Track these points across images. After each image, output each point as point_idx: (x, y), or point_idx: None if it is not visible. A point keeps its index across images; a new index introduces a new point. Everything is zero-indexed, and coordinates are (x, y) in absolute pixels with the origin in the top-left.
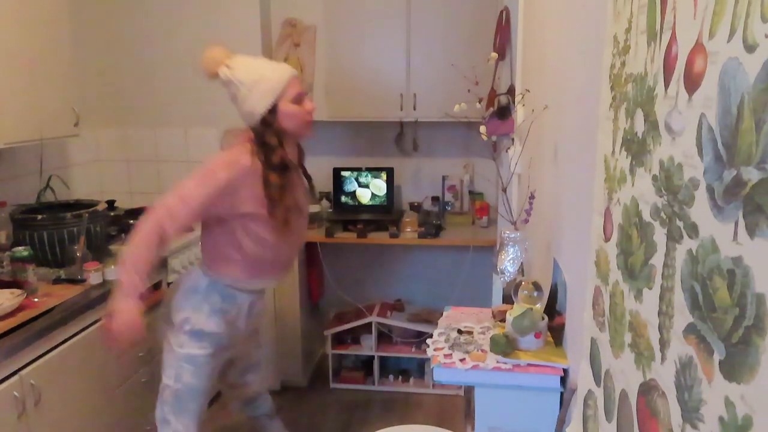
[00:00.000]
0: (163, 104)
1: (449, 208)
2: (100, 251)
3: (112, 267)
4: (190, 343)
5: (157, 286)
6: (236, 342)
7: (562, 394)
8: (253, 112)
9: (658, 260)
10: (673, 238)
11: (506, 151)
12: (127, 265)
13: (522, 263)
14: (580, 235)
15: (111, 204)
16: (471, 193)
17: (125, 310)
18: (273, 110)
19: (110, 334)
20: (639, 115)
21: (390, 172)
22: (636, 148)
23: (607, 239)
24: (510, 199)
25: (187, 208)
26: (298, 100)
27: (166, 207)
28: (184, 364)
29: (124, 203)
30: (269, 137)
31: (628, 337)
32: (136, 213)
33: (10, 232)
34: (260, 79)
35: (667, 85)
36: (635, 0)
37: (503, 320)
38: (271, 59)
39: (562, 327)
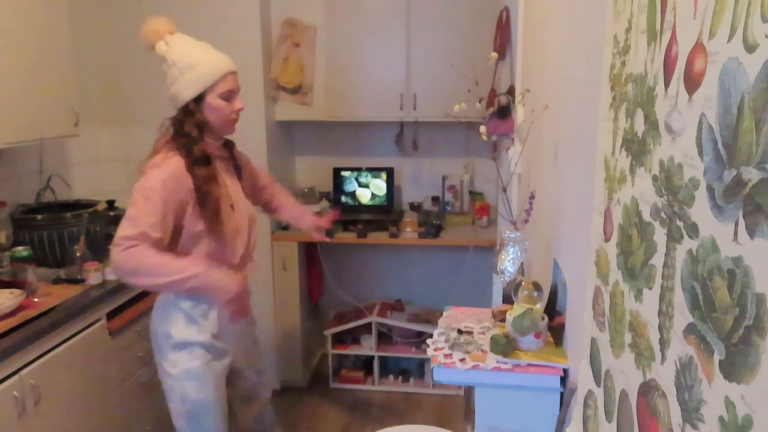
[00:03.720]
0: (163, 104)
1: (449, 208)
2: (100, 251)
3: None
4: (181, 359)
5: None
6: (231, 342)
7: (562, 394)
8: (177, 97)
9: (658, 260)
10: (673, 238)
11: (506, 151)
12: (153, 273)
13: (522, 263)
14: (580, 235)
15: (111, 204)
16: (471, 193)
17: (213, 282)
18: (198, 100)
19: (236, 312)
20: (639, 115)
21: (390, 172)
22: (636, 148)
23: (607, 239)
24: (510, 199)
25: (140, 226)
26: (228, 96)
27: (124, 236)
28: (185, 382)
29: (124, 203)
30: (189, 127)
31: (628, 337)
32: None
33: (10, 232)
34: (194, 65)
35: (667, 85)
36: (635, 0)
37: (503, 320)
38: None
39: (562, 327)
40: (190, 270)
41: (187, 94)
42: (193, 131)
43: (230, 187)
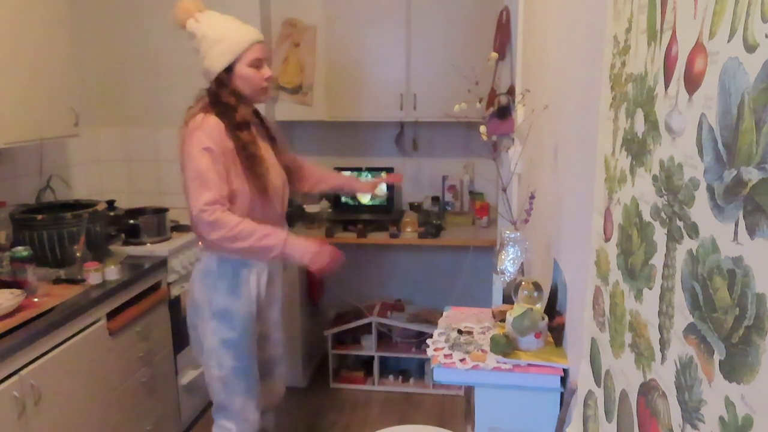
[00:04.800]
0: (163, 104)
1: (449, 208)
2: (99, 251)
3: (112, 267)
4: (220, 328)
5: (157, 287)
6: (262, 315)
7: (562, 394)
8: (209, 69)
9: (658, 260)
10: (673, 238)
11: (506, 151)
12: (258, 236)
13: (522, 263)
14: (580, 235)
15: (111, 204)
16: (471, 193)
17: (304, 249)
18: (229, 70)
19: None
20: (639, 115)
21: (390, 172)
22: (636, 148)
23: (607, 239)
24: (510, 199)
25: (213, 183)
26: (256, 64)
27: (206, 202)
28: (223, 349)
29: (124, 203)
30: (226, 96)
31: (628, 337)
32: (136, 213)
33: (10, 232)
34: (222, 38)
35: (667, 85)
36: (635, 0)
37: (503, 320)
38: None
39: (562, 327)
40: (281, 234)
41: (218, 65)
42: (231, 99)
43: (264, 150)
